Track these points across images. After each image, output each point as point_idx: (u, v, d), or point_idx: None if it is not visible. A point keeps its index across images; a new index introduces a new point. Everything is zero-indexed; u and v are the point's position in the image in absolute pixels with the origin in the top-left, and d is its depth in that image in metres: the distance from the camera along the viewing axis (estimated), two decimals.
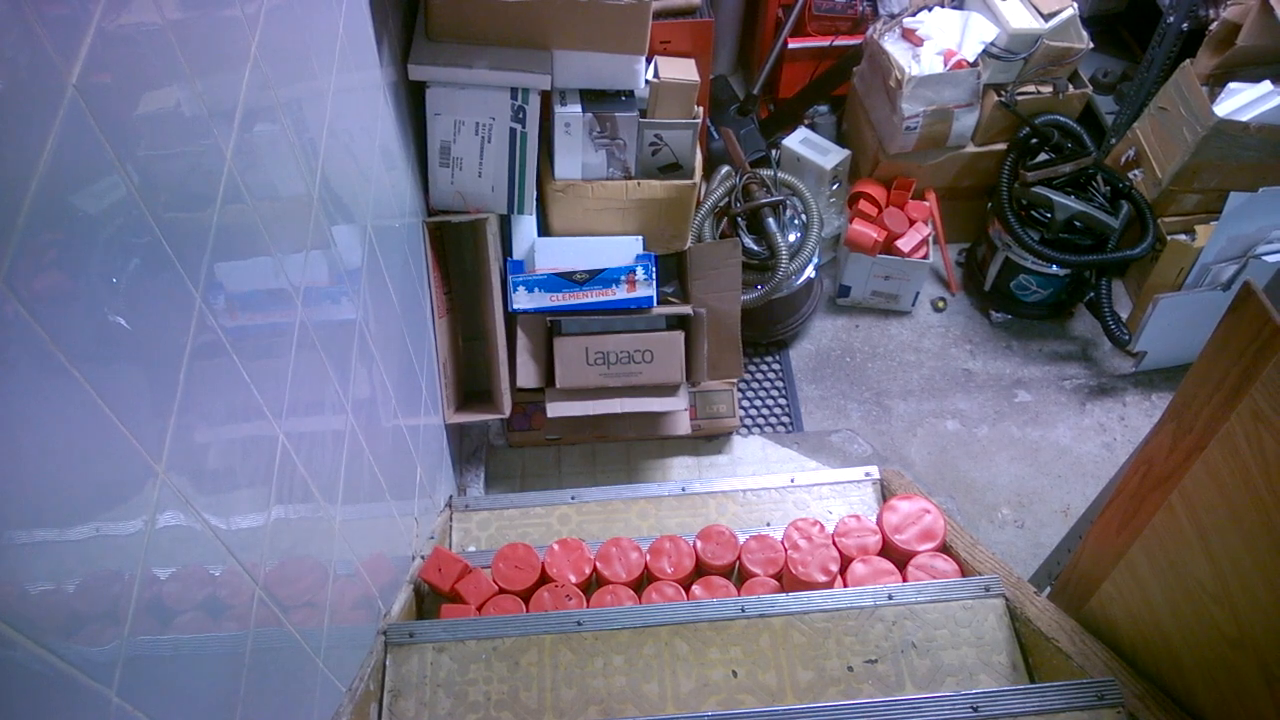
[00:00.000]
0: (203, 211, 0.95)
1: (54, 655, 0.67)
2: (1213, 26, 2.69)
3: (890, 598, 1.67)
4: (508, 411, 2.33)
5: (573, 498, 2.27)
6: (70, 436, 0.70)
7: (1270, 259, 2.63)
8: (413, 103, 2.06)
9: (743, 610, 1.65)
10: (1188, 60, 2.71)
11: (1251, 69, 2.68)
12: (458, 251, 2.40)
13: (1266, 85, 2.63)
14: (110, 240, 0.76)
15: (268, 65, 1.13)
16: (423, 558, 1.91)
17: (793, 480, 2.33)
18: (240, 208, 1.04)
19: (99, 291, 0.75)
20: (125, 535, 0.78)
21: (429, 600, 1.92)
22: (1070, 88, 2.89)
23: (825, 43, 3.08)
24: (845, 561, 1.91)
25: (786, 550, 1.92)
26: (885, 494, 2.28)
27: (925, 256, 2.93)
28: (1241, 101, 2.62)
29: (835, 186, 3.03)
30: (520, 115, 2.08)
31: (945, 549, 1.92)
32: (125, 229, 0.79)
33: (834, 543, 1.93)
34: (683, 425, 2.68)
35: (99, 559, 0.75)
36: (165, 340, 0.85)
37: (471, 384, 2.50)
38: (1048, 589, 1.73)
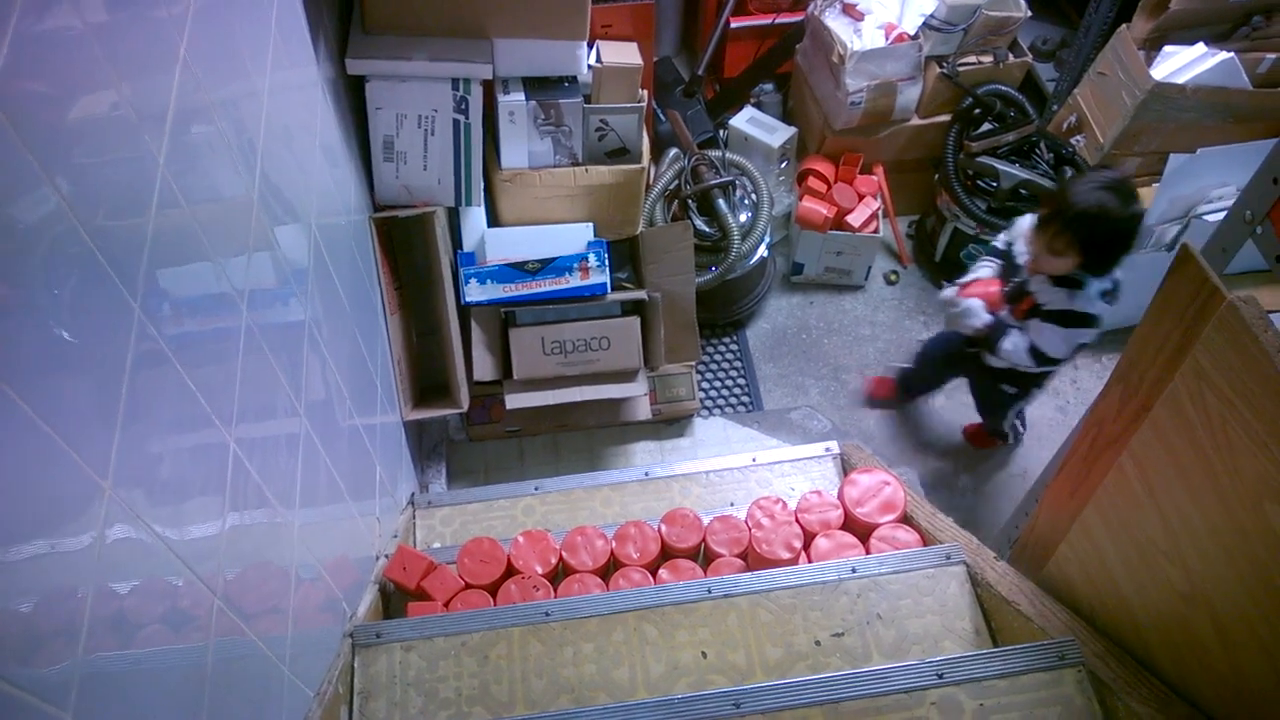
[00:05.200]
0: (136, 219, 0.92)
1: (3, 680, 0.65)
2: None
3: (854, 571, 1.68)
4: (466, 405, 2.32)
5: (536, 489, 2.27)
6: (7, 456, 0.68)
7: (1210, 218, 2.68)
8: (353, 98, 2.03)
9: (709, 591, 1.66)
10: (1124, 25, 2.75)
11: (1186, 31, 2.73)
12: (407, 246, 2.37)
13: (1201, 47, 2.67)
14: (40, 252, 0.74)
15: (198, 66, 1.10)
16: (387, 557, 1.90)
17: (754, 459, 2.34)
18: (177, 213, 1.01)
19: (31, 305, 0.73)
20: (74, 553, 0.76)
21: (395, 599, 1.91)
22: (1010, 57, 2.92)
23: (767, 21, 3.08)
24: (809, 537, 1.92)
25: (750, 529, 1.93)
26: (846, 468, 2.30)
27: (876, 231, 2.95)
28: (1177, 64, 2.67)
29: (784, 164, 3.04)
30: (463, 106, 2.06)
31: (906, 520, 1.94)
32: (55, 240, 0.77)
33: (797, 519, 1.95)
34: (643, 410, 2.68)
35: (47, 579, 0.73)
36: (104, 352, 0.83)
37: (428, 379, 2.48)
38: (1007, 554, 1.76)
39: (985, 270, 2.25)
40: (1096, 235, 1.90)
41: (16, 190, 0.72)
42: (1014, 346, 2.13)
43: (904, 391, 2.75)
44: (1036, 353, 2.10)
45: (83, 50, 0.84)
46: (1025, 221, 2.15)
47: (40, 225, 0.75)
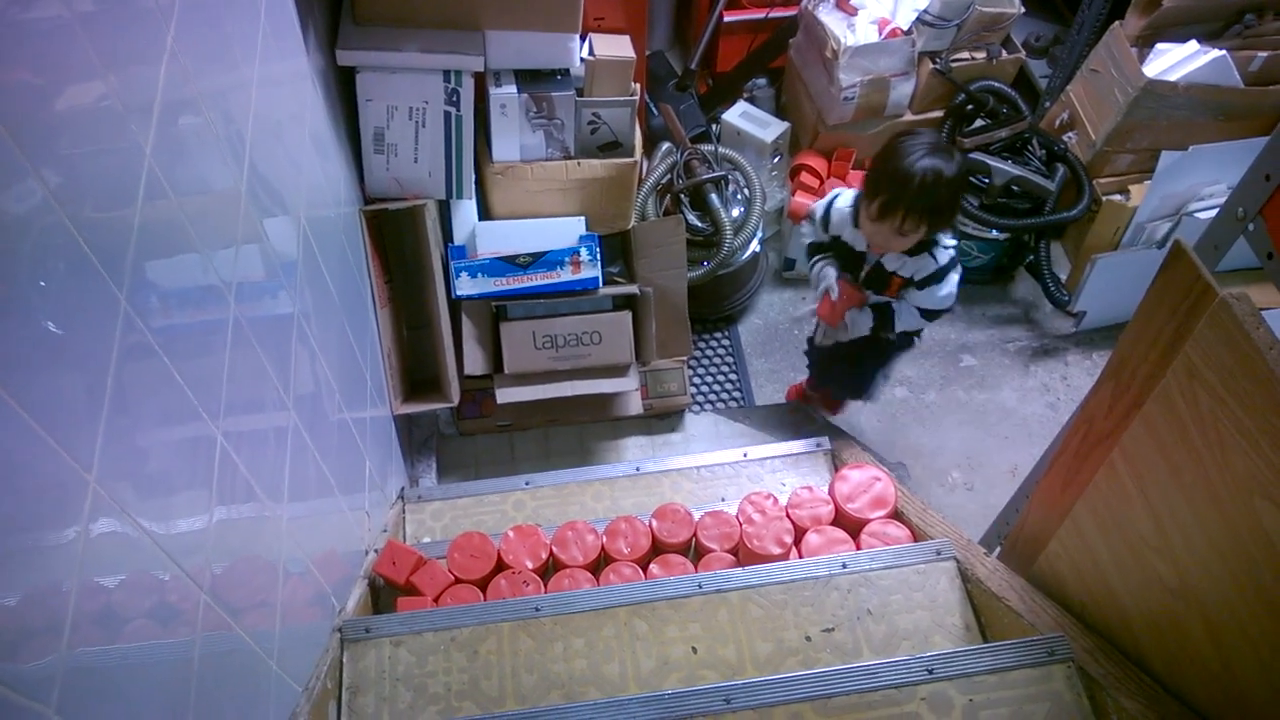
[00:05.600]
0: (123, 210, 0.91)
1: None
2: None
3: (844, 566, 1.68)
4: (456, 400, 2.31)
5: (527, 483, 2.26)
6: None
7: (1201, 215, 2.69)
8: (343, 89, 2.02)
9: (700, 587, 1.66)
10: (1117, 22, 2.75)
11: (1178, 28, 2.73)
12: (397, 239, 2.36)
13: (1193, 45, 2.68)
14: (26, 244, 0.74)
15: (186, 57, 1.09)
16: (376, 552, 1.89)
17: (745, 455, 2.34)
18: (164, 204, 1.00)
19: (16, 297, 0.72)
20: (58, 547, 0.75)
21: (384, 594, 1.90)
22: (1003, 53, 2.92)
23: (761, 15, 3.07)
24: (799, 533, 1.92)
25: (741, 524, 1.93)
26: (836, 464, 2.30)
27: None
28: (1170, 61, 2.67)
29: (776, 159, 3.04)
30: (454, 98, 2.05)
31: (897, 515, 1.94)
32: (41, 232, 0.76)
33: (788, 515, 1.94)
34: (634, 405, 2.68)
35: (30, 573, 0.72)
36: (90, 345, 0.82)
37: (418, 373, 2.48)
38: (998, 549, 1.76)
39: (830, 274, 2.15)
40: (941, 200, 1.86)
41: (2, 182, 0.71)
42: (907, 319, 2.12)
43: (821, 391, 2.70)
44: (930, 313, 2.10)
45: (69, 40, 0.83)
46: (841, 208, 2.08)
47: (26, 217, 0.74)
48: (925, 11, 2.75)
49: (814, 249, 2.24)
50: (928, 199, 1.83)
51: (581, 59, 2.22)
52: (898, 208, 1.85)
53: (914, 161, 1.82)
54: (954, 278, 2.03)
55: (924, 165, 1.81)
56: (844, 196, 2.09)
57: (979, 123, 2.91)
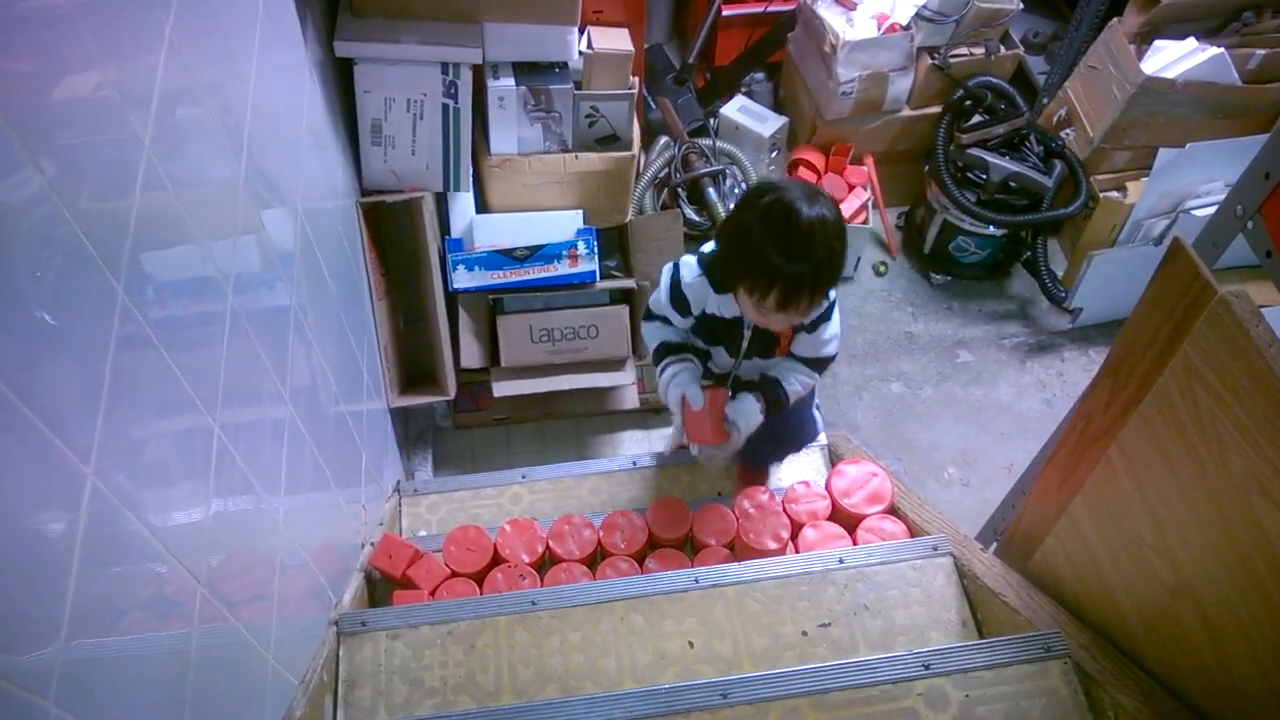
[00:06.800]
0: (121, 201, 0.91)
1: None
2: None
3: (841, 561, 1.68)
4: (453, 393, 2.31)
5: (523, 477, 2.26)
6: None
7: (1199, 213, 2.69)
8: (341, 81, 2.01)
9: (696, 581, 1.66)
10: (1115, 19, 2.75)
11: (1177, 26, 2.73)
12: (394, 232, 2.35)
13: (1191, 42, 2.68)
14: (22, 234, 0.73)
15: (185, 47, 1.08)
16: (372, 545, 1.89)
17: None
18: (162, 195, 1.00)
19: (12, 288, 0.71)
20: (55, 540, 0.75)
21: (381, 587, 1.90)
22: (1002, 49, 2.91)
23: (759, 9, 3.07)
24: (796, 528, 1.92)
25: (738, 519, 1.93)
26: (833, 459, 2.30)
27: (865, 221, 2.95)
28: (1168, 59, 2.67)
29: (774, 154, 3.03)
30: (452, 90, 2.05)
31: (893, 511, 1.94)
32: (38, 222, 0.75)
33: (784, 509, 1.94)
34: (630, 399, 2.67)
35: (28, 567, 0.72)
36: (87, 336, 0.82)
37: (415, 366, 2.47)
38: (994, 545, 1.76)
39: (687, 379, 1.80)
40: (838, 254, 1.51)
41: (1, 172, 0.71)
42: (794, 382, 1.80)
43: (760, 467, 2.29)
44: (818, 362, 1.80)
45: (68, 29, 0.83)
46: (690, 281, 1.71)
47: (23, 207, 0.73)
48: (924, 7, 2.75)
49: (664, 351, 1.84)
50: (829, 260, 1.49)
51: (580, 52, 2.21)
52: (802, 288, 1.50)
53: (800, 220, 1.46)
54: (837, 315, 1.75)
55: (809, 217, 1.46)
56: (685, 267, 1.73)
57: (977, 119, 2.91)
